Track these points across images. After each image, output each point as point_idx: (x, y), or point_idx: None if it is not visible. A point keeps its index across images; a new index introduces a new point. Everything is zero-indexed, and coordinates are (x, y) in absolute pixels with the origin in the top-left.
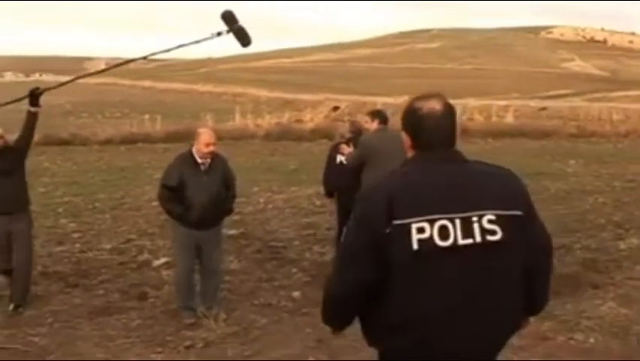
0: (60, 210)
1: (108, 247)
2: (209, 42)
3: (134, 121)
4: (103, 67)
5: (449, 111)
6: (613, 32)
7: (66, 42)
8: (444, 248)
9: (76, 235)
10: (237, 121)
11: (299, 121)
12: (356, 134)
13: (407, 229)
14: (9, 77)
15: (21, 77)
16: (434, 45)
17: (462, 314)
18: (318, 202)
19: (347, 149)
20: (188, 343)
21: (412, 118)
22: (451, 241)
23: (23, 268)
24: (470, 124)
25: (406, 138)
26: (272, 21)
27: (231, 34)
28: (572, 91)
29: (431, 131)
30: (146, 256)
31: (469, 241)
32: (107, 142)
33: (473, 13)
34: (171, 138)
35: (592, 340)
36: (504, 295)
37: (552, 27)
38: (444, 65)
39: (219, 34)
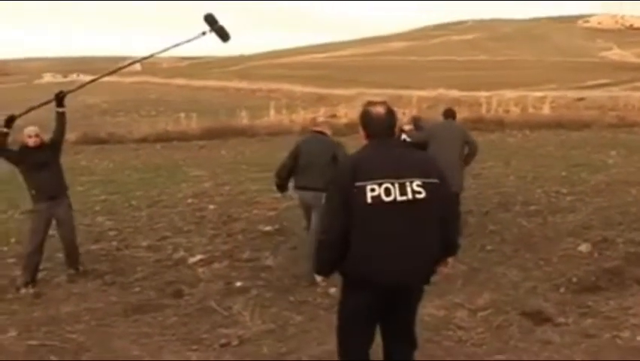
0: (97, 208)
1: (144, 244)
2: (202, 40)
3: (170, 119)
4: (138, 66)
5: (389, 114)
6: None
7: (102, 43)
8: (387, 202)
9: (112, 233)
10: (272, 117)
11: (334, 116)
12: (415, 125)
13: (364, 189)
14: (47, 78)
15: (59, 78)
16: (469, 37)
17: (398, 247)
18: None
19: (408, 126)
20: (223, 341)
21: (365, 117)
22: (392, 197)
23: (72, 243)
24: (506, 116)
25: (361, 131)
26: (308, 15)
27: (214, 33)
28: (610, 80)
29: (376, 125)
30: (181, 253)
31: (404, 198)
32: (143, 140)
33: (508, 3)
34: (207, 135)
35: (639, 338)
36: (425, 235)
37: (589, 15)
38: (478, 57)
39: (204, 33)
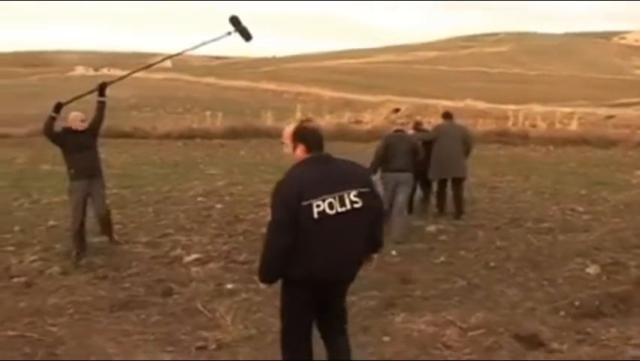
0: (107, 201)
1: (144, 240)
2: (228, 40)
3: (195, 117)
4: (168, 63)
5: (319, 130)
6: None
7: (130, 40)
8: (331, 215)
9: (116, 227)
10: (298, 120)
11: (358, 122)
12: (417, 128)
13: (311, 206)
14: (80, 70)
15: (91, 72)
16: (500, 49)
17: (339, 253)
18: None
19: (411, 131)
20: (200, 343)
21: (304, 132)
22: (335, 210)
23: (105, 216)
24: (532, 130)
25: (300, 147)
26: (340, 21)
27: (238, 34)
28: None
29: (314, 140)
30: (178, 251)
31: (344, 208)
32: (166, 136)
33: (541, 18)
34: (229, 134)
35: None
36: (357, 238)
37: (626, 32)
38: (510, 70)
39: (229, 33)
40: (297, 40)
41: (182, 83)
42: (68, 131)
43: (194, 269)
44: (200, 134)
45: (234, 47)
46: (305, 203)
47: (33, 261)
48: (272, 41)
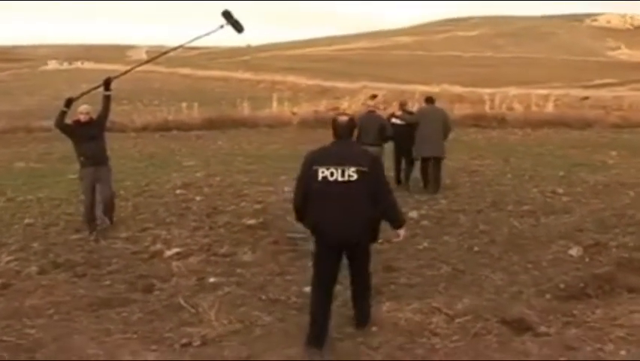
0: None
1: (124, 235)
2: (220, 32)
3: (172, 108)
4: (144, 55)
5: (350, 121)
6: None
7: (106, 32)
8: (331, 181)
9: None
10: (274, 109)
11: (336, 109)
12: (403, 108)
13: (316, 170)
14: (53, 64)
15: (65, 65)
16: (475, 33)
17: (339, 214)
18: None
19: (399, 112)
20: (185, 340)
21: (333, 123)
22: (334, 178)
23: (110, 200)
24: (508, 113)
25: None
26: (315, 8)
27: (230, 27)
28: (617, 80)
29: (338, 130)
30: (159, 246)
31: (343, 179)
32: (143, 129)
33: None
34: (207, 125)
35: (623, 352)
36: (357, 205)
37: (598, 14)
38: (484, 53)
39: (222, 26)
40: (272, 28)
41: (157, 75)
42: (77, 123)
43: (174, 264)
44: (177, 125)
45: (210, 37)
46: (314, 168)
47: (9, 261)
48: (246, 30)
